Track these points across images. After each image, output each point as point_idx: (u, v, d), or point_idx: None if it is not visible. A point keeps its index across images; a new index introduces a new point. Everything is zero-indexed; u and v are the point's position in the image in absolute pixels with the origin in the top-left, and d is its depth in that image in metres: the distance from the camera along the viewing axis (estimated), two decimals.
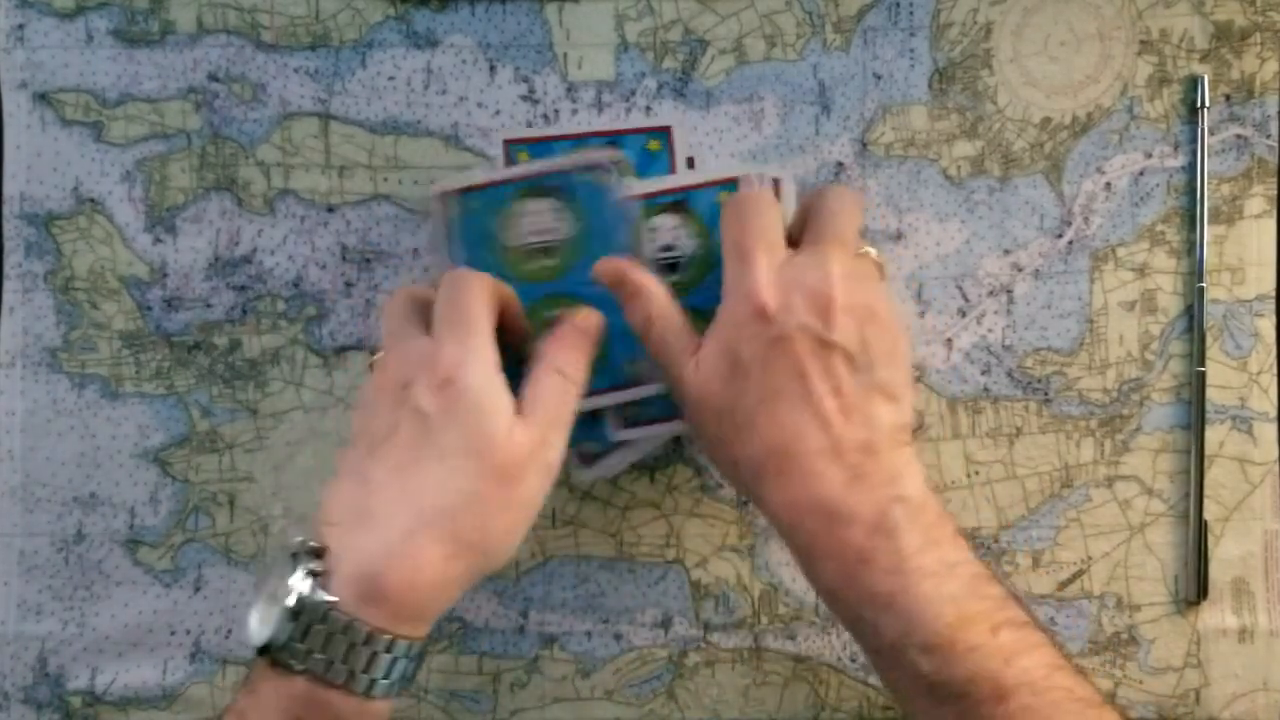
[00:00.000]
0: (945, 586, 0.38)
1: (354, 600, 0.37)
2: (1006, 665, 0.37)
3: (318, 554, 0.38)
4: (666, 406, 0.46)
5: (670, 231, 0.46)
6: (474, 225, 0.46)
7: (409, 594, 0.37)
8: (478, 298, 0.41)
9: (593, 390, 0.44)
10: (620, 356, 0.45)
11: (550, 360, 0.42)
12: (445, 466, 0.38)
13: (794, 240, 0.44)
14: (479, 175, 0.47)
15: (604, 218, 0.46)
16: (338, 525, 0.38)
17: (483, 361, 0.40)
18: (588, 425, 0.45)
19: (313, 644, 0.36)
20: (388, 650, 0.37)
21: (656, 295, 0.43)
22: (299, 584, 0.37)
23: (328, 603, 0.36)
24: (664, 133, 0.48)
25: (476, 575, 0.39)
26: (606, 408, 0.46)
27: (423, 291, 0.44)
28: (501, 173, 0.47)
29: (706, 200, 0.47)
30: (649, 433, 0.48)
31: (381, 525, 0.38)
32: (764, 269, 0.41)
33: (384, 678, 0.37)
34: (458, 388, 0.39)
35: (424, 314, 0.43)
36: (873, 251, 0.44)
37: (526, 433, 0.39)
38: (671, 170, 0.49)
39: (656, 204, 0.46)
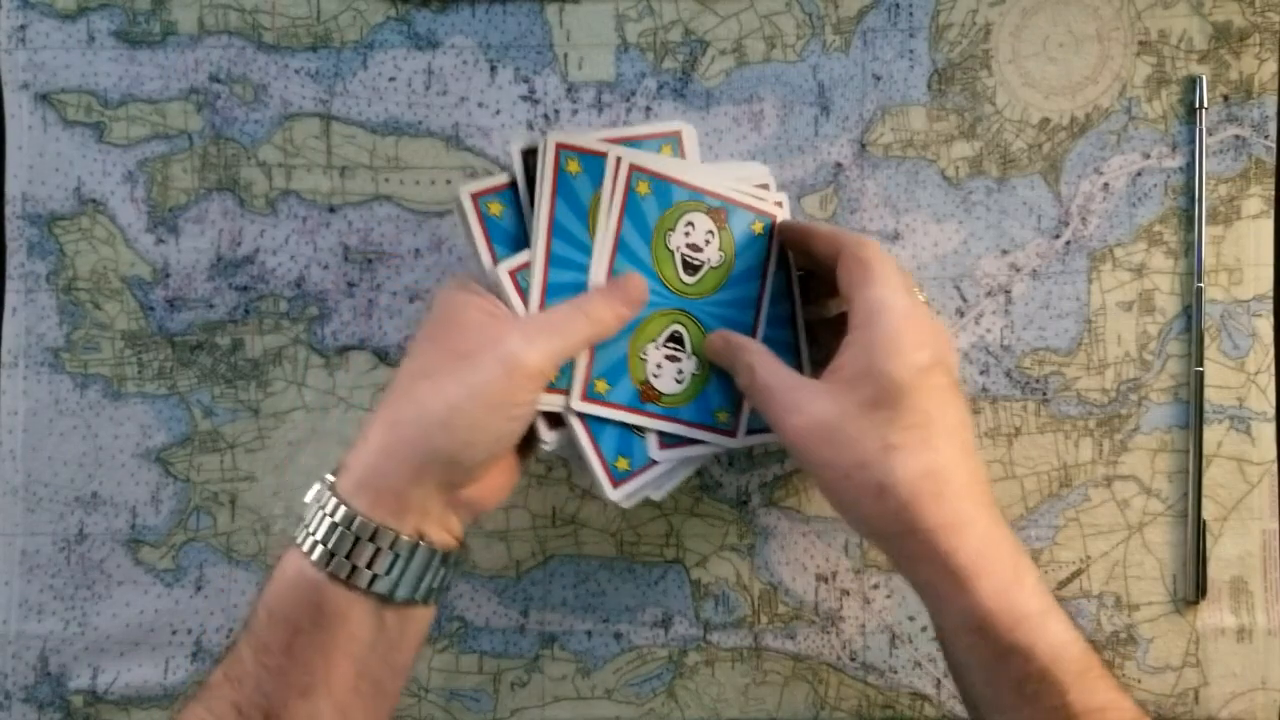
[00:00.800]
0: (1062, 614, 0.39)
1: (348, 490, 0.39)
2: (1124, 695, 0.38)
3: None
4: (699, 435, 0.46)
5: (704, 235, 0.46)
6: (638, 207, 0.45)
7: (366, 471, 0.39)
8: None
9: (674, 418, 0.45)
10: (713, 402, 0.46)
11: (589, 305, 0.43)
12: (418, 345, 0.41)
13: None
14: (627, 150, 0.46)
15: (750, 261, 0.47)
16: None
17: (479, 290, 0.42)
18: (628, 441, 0.45)
19: (312, 528, 0.39)
20: (372, 539, 0.38)
21: (754, 348, 0.44)
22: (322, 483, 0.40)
23: (324, 485, 0.40)
24: (675, 137, 0.48)
25: (430, 458, 0.39)
26: (649, 430, 0.45)
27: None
28: (672, 167, 0.46)
29: (743, 222, 0.47)
30: (686, 454, 0.46)
31: (375, 427, 0.40)
32: (902, 296, 0.41)
33: (385, 573, 0.38)
34: (450, 298, 0.42)
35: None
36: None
37: (494, 313, 0.42)
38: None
39: (700, 199, 0.46)
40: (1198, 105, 0.51)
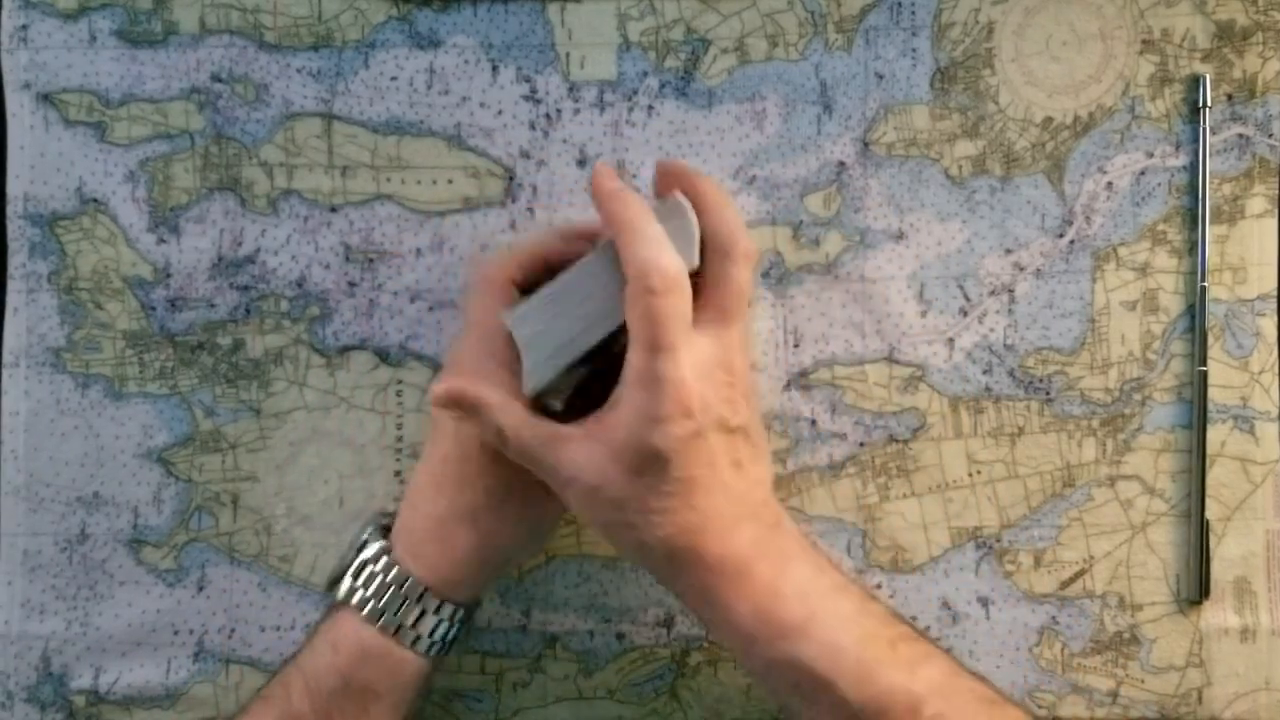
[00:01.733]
0: (845, 607, 0.41)
1: (409, 564, 0.44)
2: (913, 676, 0.39)
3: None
4: None
5: None
6: None
7: (441, 564, 0.44)
8: (474, 285, 0.47)
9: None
10: None
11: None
12: (460, 475, 0.45)
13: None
14: None
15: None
16: None
17: (484, 374, 0.43)
18: None
19: (374, 595, 0.44)
20: (435, 612, 0.44)
21: (496, 405, 0.42)
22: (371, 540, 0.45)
23: (365, 534, 0.46)
24: None
25: (499, 568, 0.46)
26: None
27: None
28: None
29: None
30: None
31: (430, 503, 0.46)
32: (687, 367, 0.39)
33: (428, 635, 0.44)
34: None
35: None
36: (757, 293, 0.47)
37: (544, 437, 0.43)
38: None
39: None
40: (1201, 104, 0.51)
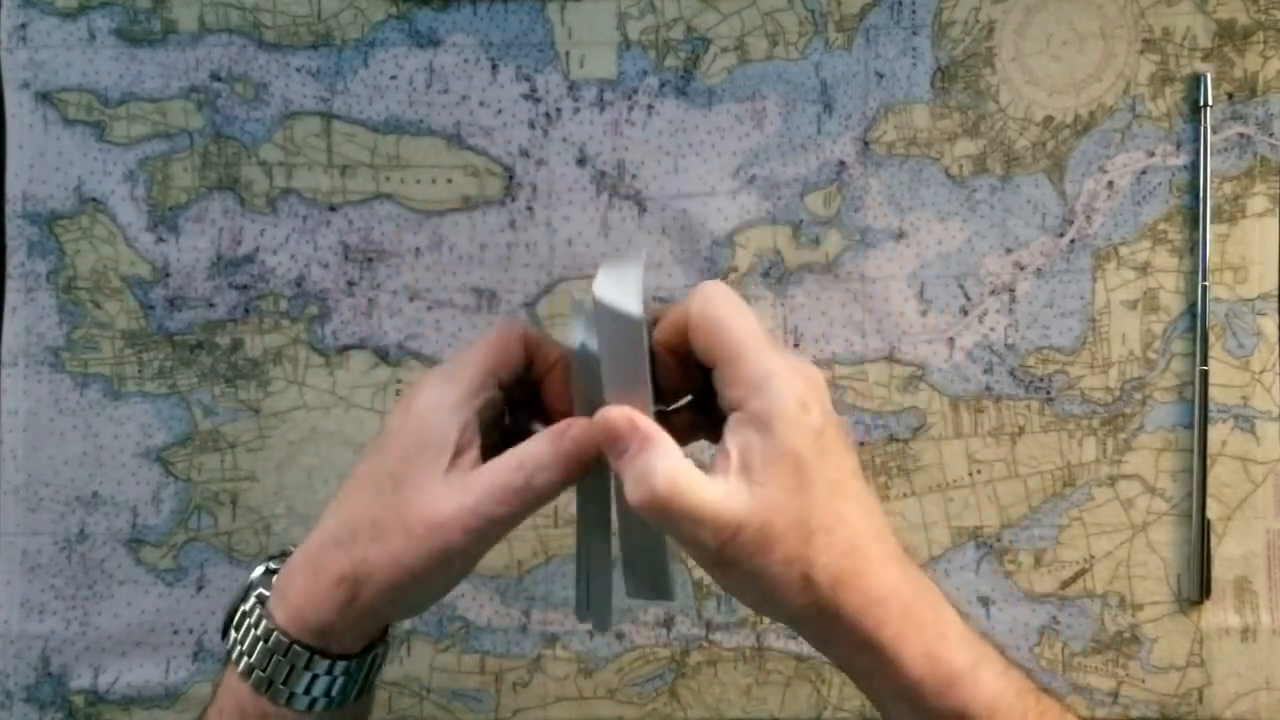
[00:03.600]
0: (993, 652, 0.37)
1: (276, 611, 0.38)
2: None
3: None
4: None
5: None
6: None
7: (304, 606, 0.37)
8: (479, 348, 0.39)
9: None
10: None
11: (521, 453, 0.37)
12: (368, 484, 0.38)
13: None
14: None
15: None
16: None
17: (441, 393, 0.37)
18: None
19: (247, 650, 0.38)
20: (306, 667, 0.37)
21: (659, 441, 0.35)
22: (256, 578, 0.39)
23: (247, 605, 0.39)
24: None
25: (370, 608, 0.37)
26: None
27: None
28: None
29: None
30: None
31: (312, 535, 0.38)
32: (779, 357, 0.36)
33: (304, 693, 0.38)
34: (410, 409, 0.38)
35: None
36: None
37: (450, 490, 0.36)
38: None
39: None
40: (1202, 103, 0.51)
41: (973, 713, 0.35)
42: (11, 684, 0.51)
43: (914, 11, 0.52)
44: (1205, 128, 0.51)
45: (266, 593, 0.39)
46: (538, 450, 0.37)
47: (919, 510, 0.51)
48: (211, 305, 0.52)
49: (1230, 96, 0.51)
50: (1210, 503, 0.51)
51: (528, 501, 0.36)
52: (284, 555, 0.40)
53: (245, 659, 0.38)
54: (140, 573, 0.51)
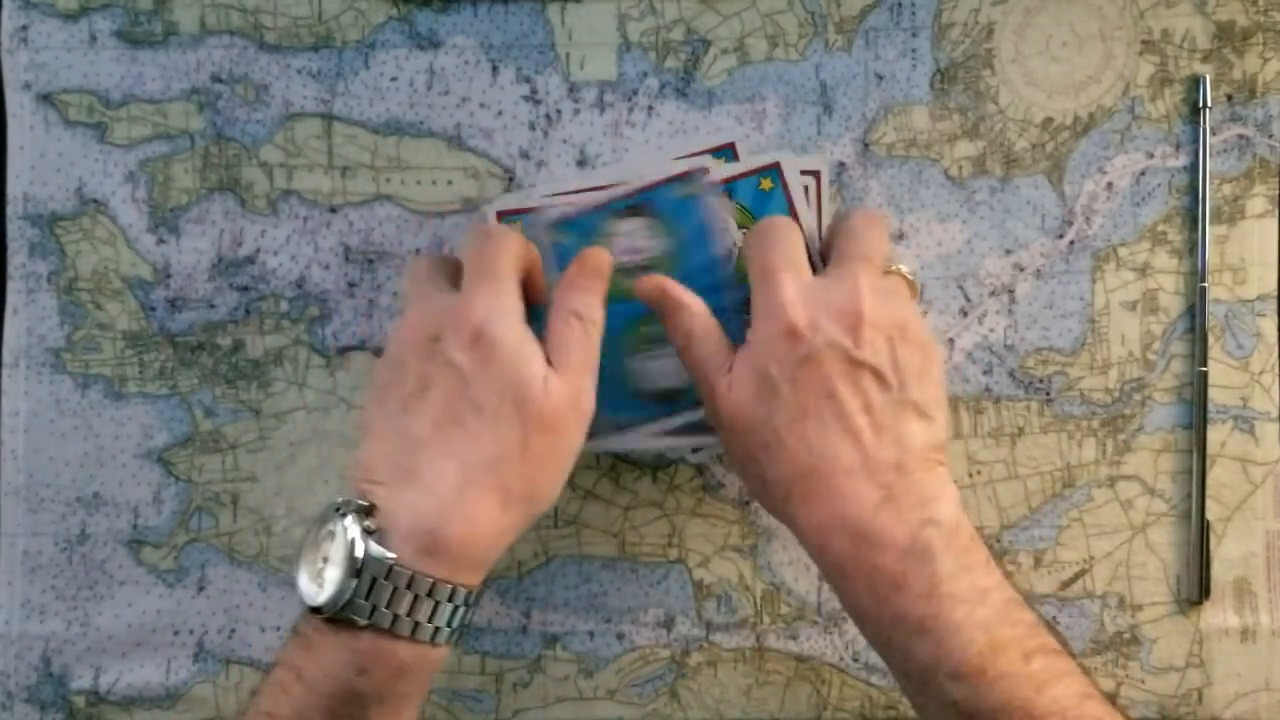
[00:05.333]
0: (977, 613, 0.38)
1: (414, 555, 0.37)
2: (1038, 694, 0.37)
3: (368, 512, 0.38)
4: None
5: (639, 236, 0.46)
6: (568, 253, 0.44)
7: (468, 546, 0.38)
8: (507, 251, 0.42)
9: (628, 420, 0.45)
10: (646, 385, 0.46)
11: (566, 305, 0.41)
12: (486, 419, 0.39)
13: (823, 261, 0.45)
14: (558, 203, 0.47)
15: (695, 229, 0.46)
16: (384, 484, 0.39)
17: (512, 313, 0.40)
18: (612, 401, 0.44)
19: (377, 599, 0.37)
20: (450, 599, 0.38)
21: (696, 311, 0.43)
22: (358, 542, 0.37)
23: (389, 559, 0.37)
24: (774, 170, 0.48)
25: (528, 521, 0.40)
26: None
27: (447, 257, 0.45)
28: (589, 198, 0.47)
29: (666, 199, 0.46)
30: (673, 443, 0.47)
31: (431, 481, 0.38)
32: (790, 288, 0.41)
33: (447, 625, 0.38)
34: (489, 341, 0.39)
35: (449, 276, 0.43)
36: (904, 269, 0.44)
37: (561, 381, 0.40)
38: (790, 209, 0.47)
39: (618, 209, 0.46)
40: (1201, 105, 0.51)
41: (921, 657, 0.38)
42: (12, 684, 0.51)
43: (914, 13, 0.52)
44: (1204, 129, 0.51)
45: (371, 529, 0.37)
46: (574, 290, 0.42)
47: None
48: (212, 306, 0.52)
49: (1229, 98, 0.52)
50: (1210, 504, 0.51)
51: (597, 337, 0.42)
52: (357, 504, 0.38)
53: (379, 610, 0.36)
54: (141, 573, 0.51)
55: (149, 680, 0.51)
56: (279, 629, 0.51)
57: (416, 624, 0.37)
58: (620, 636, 0.52)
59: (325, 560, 0.37)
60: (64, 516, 0.51)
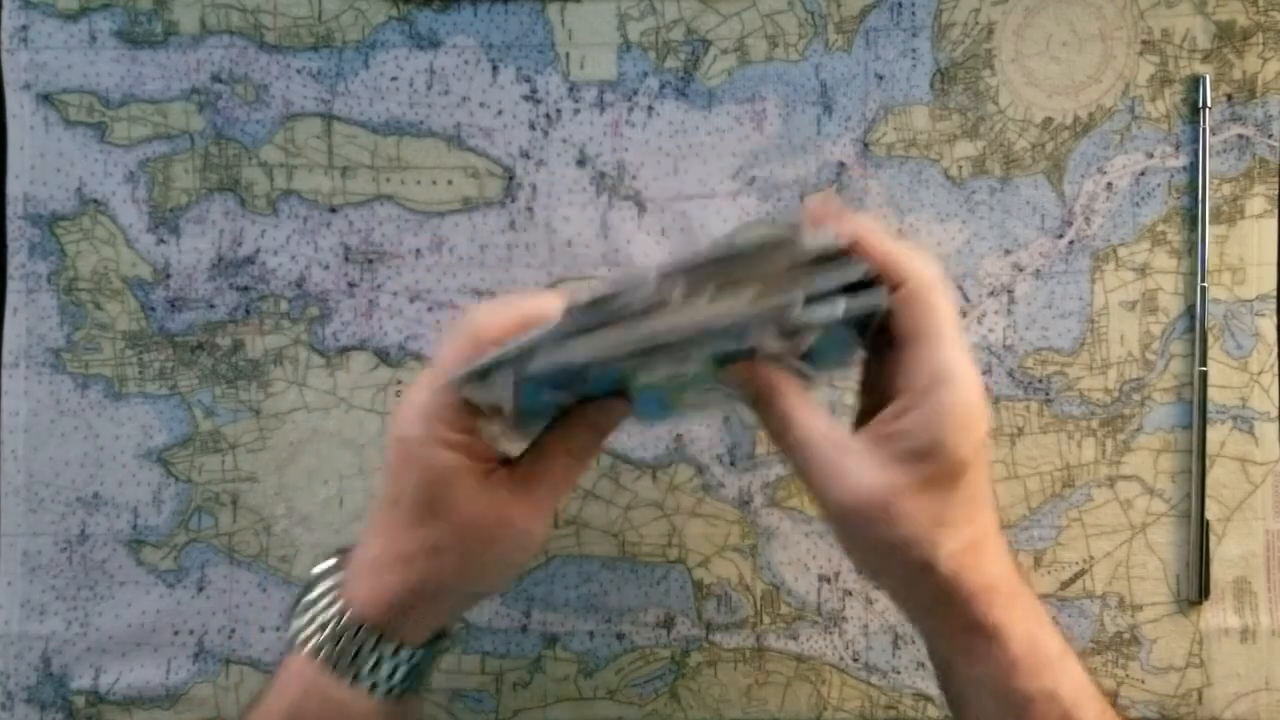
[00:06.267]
0: (1079, 666, 0.39)
1: (350, 600, 0.40)
2: None
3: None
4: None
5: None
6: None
7: (375, 611, 0.40)
8: (453, 339, 0.39)
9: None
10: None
11: (564, 438, 0.41)
12: (399, 513, 0.40)
13: None
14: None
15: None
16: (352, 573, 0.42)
17: (434, 415, 0.39)
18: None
19: (316, 630, 0.40)
20: (374, 649, 0.40)
21: (792, 392, 0.38)
22: (316, 568, 0.42)
23: (314, 574, 0.41)
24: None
25: (457, 601, 0.42)
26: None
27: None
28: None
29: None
30: None
31: (364, 548, 0.41)
32: (972, 368, 0.37)
33: (369, 673, 0.40)
34: (406, 442, 0.39)
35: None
36: None
37: (495, 498, 0.39)
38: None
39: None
40: (1201, 105, 0.51)
41: (1062, 695, 0.37)
42: (12, 684, 0.51)
43: (913, 13, 0.52)
44: (1204, 129, 0.51)
45: (333, 583, 0.41)
46: (579, 429, 0.41)
47: None
48: (212, 306, 0.52)
49: (1229, 98, 0.52)
50: (1209, 503, 0.51)
51: (580, 474, 0.42)
52: (342, 552, 0.42)
53: (314, 639, 0.40)
54: (141, 573, 0.51)
55: (149, 680, 0.51)
56: (279, 629, 0.51)
57: (351, 666, 0.40)
58: (620, 636, 0.52)
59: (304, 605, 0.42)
60: (64, 516, 0.51)
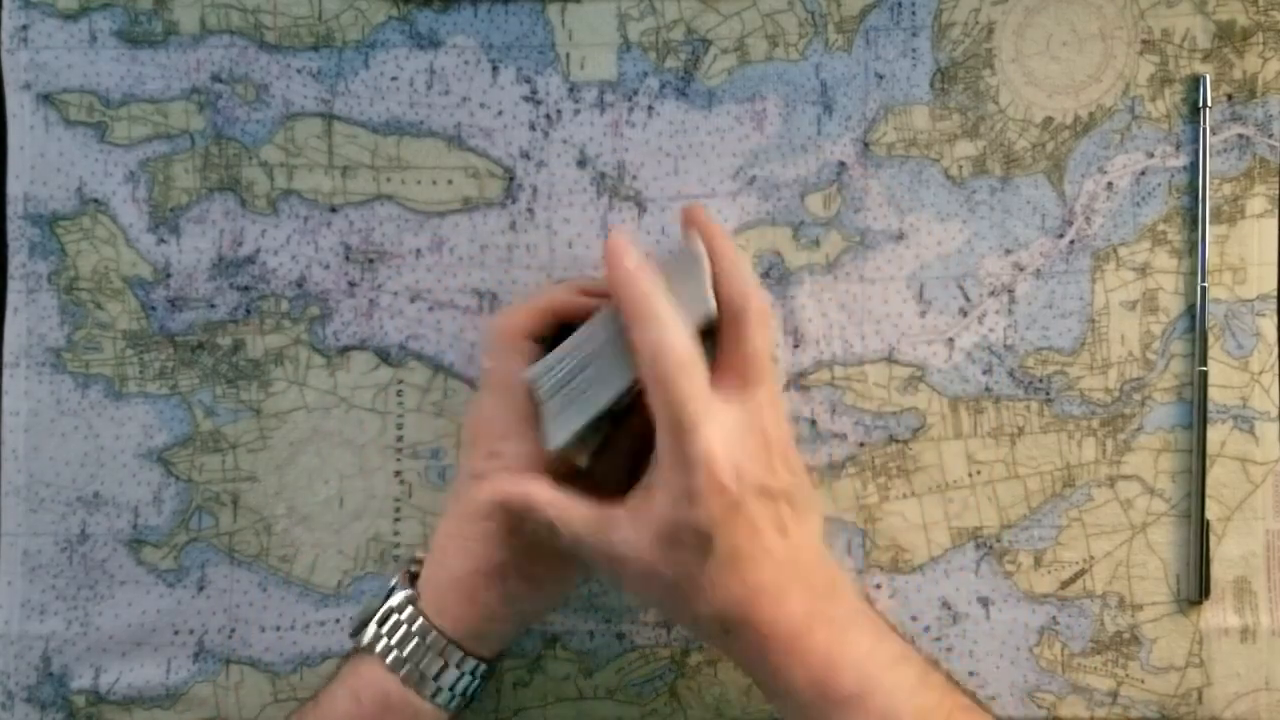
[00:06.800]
0: (904, 679, 0.40)
1: (429, 608, 0.44)
2: None
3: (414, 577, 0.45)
4: None
5: None
6: None
7: (465, 616, 0.43)
8: (489, 339, 0.46)
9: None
10: None
11: (624, 442, 0.45)
12: (481, 533, 0.44)
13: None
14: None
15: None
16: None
17: (476, 411, 0.46)
18: None
19: (397, 644, 0.43)
20: (458, 665, 0.43)
21: (544, 501, 0.42)
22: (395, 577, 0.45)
23: (393, 583, 0.45)
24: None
25: (519, 614, 0.46)
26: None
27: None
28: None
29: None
30: None
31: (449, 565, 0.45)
32: (715, 441, 0.39)
33: (448, 688, 0.43)
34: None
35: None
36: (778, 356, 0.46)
37: (492, 490, 0.43)
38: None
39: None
40: (1201, 104, 0.51)
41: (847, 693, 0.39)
42: (12, 684, 0.51)
43: (914, 13, 0.52)
44: (1204, 129, 0.51)
45: (410, 594, 0.44)
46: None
47: (918, 511, 0.52)
48: (213, 306, 0.52)
49: (1230, 98, 0.52)
50: (1209, 503, 0.51)
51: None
52: (416, 561, 0.46)
53: (395, 652, 0.42)
54: (141, 573, 0.51)
55: (149, 680, 0.51)
56: (279, 629, 0.51)
57: (422, 675, 0.43)
58: (620, 636, 0.52)
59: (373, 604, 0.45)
60: (64, 516, 0.51)
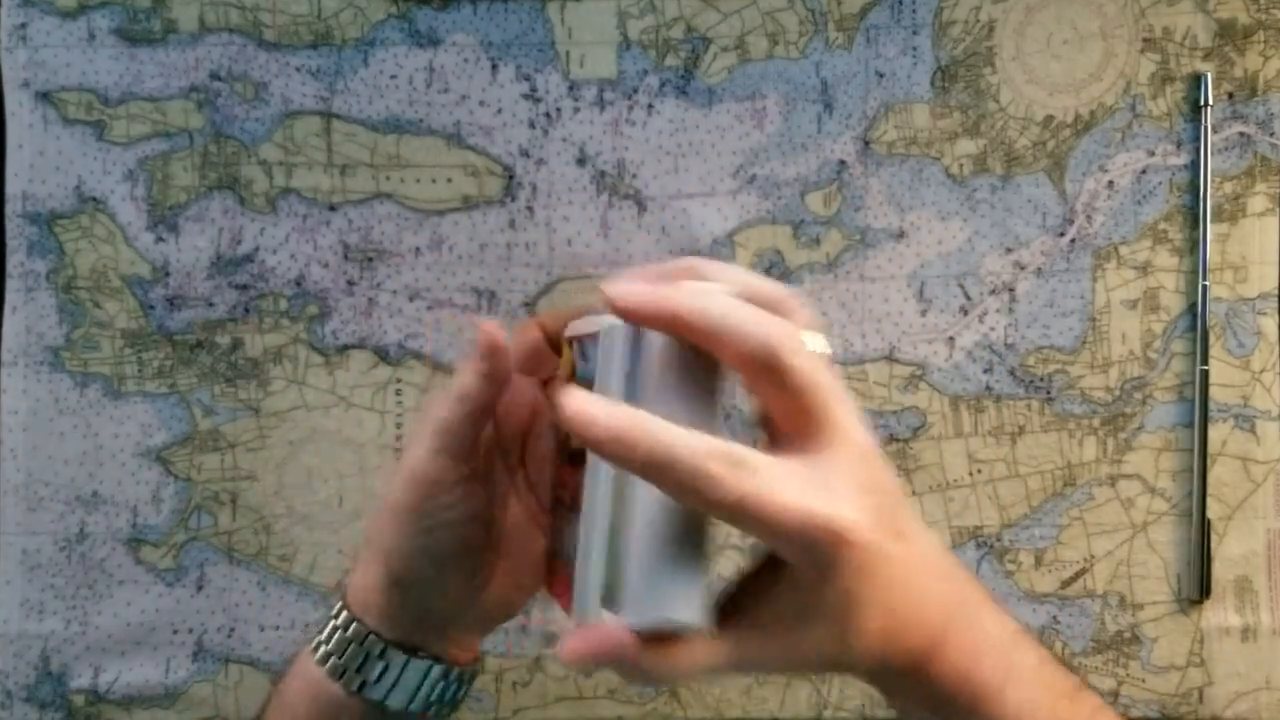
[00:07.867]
0: (1028, 659, 0.38)
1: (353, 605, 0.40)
2: None
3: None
4: None
5: None
6: None
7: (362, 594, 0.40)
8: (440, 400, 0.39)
9: None
10: None
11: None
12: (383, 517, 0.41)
13: None
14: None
15: None
16: None
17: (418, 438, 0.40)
18: None
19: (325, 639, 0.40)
20: (380, 657, 0.39)
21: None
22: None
23: (344, 604, 0.40)
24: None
25: (400, 589, 0.39)
26: None
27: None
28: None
29: None
30: None
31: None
32: (861, 434, 0.34)
33: (375, 681, 0.40)
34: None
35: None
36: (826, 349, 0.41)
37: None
38: None
39: None
40: (1202, 103, 0.51)
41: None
42: (11, 683, 0.51)
43: (914, 11, 0.52)
44: (1205, 127, 0.51)
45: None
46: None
47: (919, 510, 0.51)
48: (211, 305, 0.52)
49: (1230, 96, 0.51)
50: (1210, 502, 0.51)
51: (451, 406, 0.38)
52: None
53: (322, 646, 0.40)
54: (140, 572, 0.51)
55: (148, 679, 0.51)
56: (278, 628, 0.51)
57: (345, 669, 0.39)
58: None
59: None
60: (63, 515, 0.51)
